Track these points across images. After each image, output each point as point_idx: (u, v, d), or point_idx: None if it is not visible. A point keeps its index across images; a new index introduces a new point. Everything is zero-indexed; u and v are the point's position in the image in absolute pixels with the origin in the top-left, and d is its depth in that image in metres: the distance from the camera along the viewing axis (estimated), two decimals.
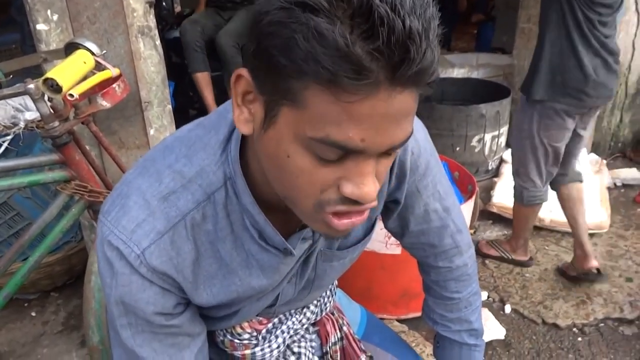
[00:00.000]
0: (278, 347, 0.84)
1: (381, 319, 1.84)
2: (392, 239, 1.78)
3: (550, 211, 2.45)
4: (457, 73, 3.46)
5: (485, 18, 5.32)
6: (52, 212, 1.35)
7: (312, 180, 0.52)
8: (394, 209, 0.80)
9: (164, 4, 3.54)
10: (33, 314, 2.02)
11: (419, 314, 1.89)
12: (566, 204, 2.07)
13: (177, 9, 4.28)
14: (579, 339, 1.83)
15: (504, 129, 2.94)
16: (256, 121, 0.54)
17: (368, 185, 0.51)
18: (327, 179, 0.52)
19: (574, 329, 1.88)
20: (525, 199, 2.03)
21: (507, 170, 2.79)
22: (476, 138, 2.81)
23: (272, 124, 0.51)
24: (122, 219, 0.60)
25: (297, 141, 0.50)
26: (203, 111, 3.55)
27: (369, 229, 0.80)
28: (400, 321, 1.91)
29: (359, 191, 0.51)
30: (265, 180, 0.60)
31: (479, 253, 2.26)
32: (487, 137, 2.83)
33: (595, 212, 2.51)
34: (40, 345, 1.86)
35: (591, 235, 2.36)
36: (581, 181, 2.07)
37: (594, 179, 2.80)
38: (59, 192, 1.35)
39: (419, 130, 0.75)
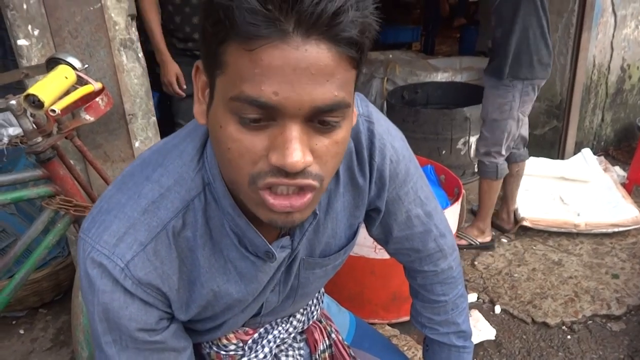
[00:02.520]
0: (265, 356, 0.84)
1: (372, 323, 1.85)
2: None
3: (578, 214, 2.51)
4: (441, 77, 3.50)
5: (467, 22, 5.39)
6: (38, 228, 1.34)
7: (241, 149, 0.51)
8: (376, 217, 0.81)
9: None
10: (21, 331, 1.99)
11: (409, 317, 1.90)
12: (513, 179, 2.35)
13: None
14: (569, 336, 1.85)
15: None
16: (205, 106, 0.57)
17: (293, 151, 0.49)
18: (256, 148, 0.51)
19: (563, 327, 1.90)
20: (500, 173, 2.22)
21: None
22: (461, 141, 2.84)
23: (212, 101, 0.53)
24: (104, 234, 0.60)
25: (225, 108, 0.51)
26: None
27: (351, 236, 0.80)
28: (392, 325, 1.91)
29: (283, 159, 0.49)
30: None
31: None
32: (472, 139, 2.87)
33: (625, 208, 2.54)
34: None
35: (624, 235, 2.43)
36: (527, 159, 2.35)
37: (605, 177, 2.84)
38: (44, 207, 1.34)
39: (396, 138, 0.75)
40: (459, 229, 2.25)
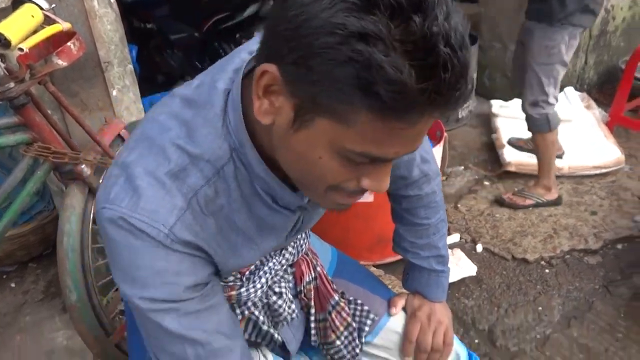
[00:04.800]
0: (262, 287, 0.87)
1: (361, 264, 1.89)
2: None
3: (562, 157, 2.49)
4: None
5: None
6: (17, 176, 1.34)
7: (335, 176, 0.56)
8: None
9: None
10: (12, 285, 2.02)
11: (394, 258, 1.95)
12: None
13: None
14: (547, 270, 1.92)
15: (473, 76, 2.96)
16: (281, 116, 0.55)
17: (386, 181, 0.57)
18: (351, 175, 0.56)
19: (542, 262, 1.96)
20: (552, 123, 2.08)
21: (501, 123, 2.80)
22: None
23: (303, 128, 0.53)
24: (139, 202, 0.59)
25: (331, 148, 0.53)
26: (171, 77, 3.48)
27: None
28: (377, 266, 1.96)
29: (378, 187, 0.57)
30: (270, 147, 0.61)
31: (514, 207, 2.26)
32: None
33: (606, 148, 2.54)
34: (22, 314, 1.87)
35: (604, 174, 2.45)
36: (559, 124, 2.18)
37: (587, 115, 2.84)
38: (22, 154, 1.33)
39: None
40: (443, 173, 2.28)
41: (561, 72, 2.03)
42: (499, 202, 2.31)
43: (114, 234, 0.60)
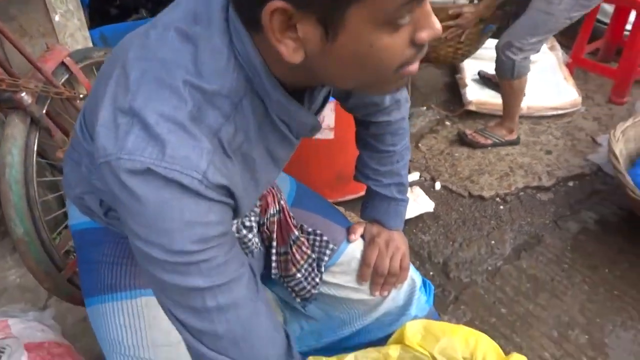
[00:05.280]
0: (236, 222, 0.87)
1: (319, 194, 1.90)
2: (325, 123, 1.78)
3: (492, 96, 2.52)
4: None
5: None
6: None
7: (394, 52, 0.54)
8: None
9: None
10: None
11: (354, 195, 1.96)
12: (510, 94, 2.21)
13: None
14: (501, 207, 1.97)
15: None
16: (310, 41, 0.52)
17: (435, 20, 0.55)
18: (405, 42, 0.54)
19: (497, 199, 2.01)
20: (517, 72, 2.06)
21: (466, 63, 2.76)
22: None
23: (340, 31, 0.51)
24: (165, 150, 0.54)
25: (377, 27, 0.51)
26: (125, 9, 3.27)
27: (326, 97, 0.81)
28: (337, 204, 1.97)
29: (433, 31, 0.54)
30: (281, 74, 0.59)
31: (475, 146, 2.28)
32: None
33: (565, 90, 2.57)
34: None
35: (561, 115, 2.48)
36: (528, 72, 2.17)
37: (550, 56, 2.85)
38: None
39: None
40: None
41: (551, 26, 1.97)
42: (461, 138, 2.34)
43: (138, 186, 0.55)
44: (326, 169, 1.93)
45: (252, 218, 0.92)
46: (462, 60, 2.50)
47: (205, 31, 0.58)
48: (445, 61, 2.43)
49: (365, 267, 1.00)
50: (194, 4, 0.61)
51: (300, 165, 1.93)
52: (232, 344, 0.64)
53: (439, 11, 2.14)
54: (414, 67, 0.58)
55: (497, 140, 2.29)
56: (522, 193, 2.04)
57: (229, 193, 0.61)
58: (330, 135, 1.83)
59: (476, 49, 2.39)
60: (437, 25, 0.54)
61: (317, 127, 0.69)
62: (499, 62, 2.09)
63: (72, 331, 1.41)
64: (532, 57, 2.09)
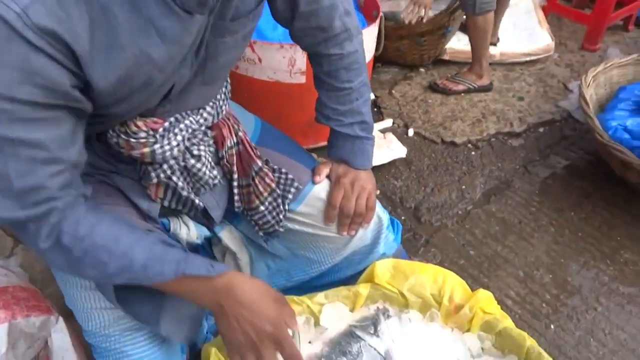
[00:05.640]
0: (177, 144, 0.81)
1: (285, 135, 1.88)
2: (296, 66, 1.73)
3: (466, 44, 2.49)
4: None
5: None
6: None
7: None
8: None
9: None
10: None
11: (326, 142, 1.94)
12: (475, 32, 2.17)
13: None
14: (473, 152, 1.98)
15: None
16: None
17: None
18: None
19: (469, 145, 2.02)
20: (478, 7, 2.01)
21: None
22: None
23: None
24: None
25: None
26: None
27: (259, 1, 0.76)
28: (310, 150, 1.95)
29: None
30: None
31: (447, 93, 2.27)
32: None
33: (538, 35, 2.54)
34: None
35: (534, 61, 2.46)
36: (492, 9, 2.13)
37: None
38: None
39: None
40: (378, 57, 2.22)
41: None
42: (433, 87, 2.32)
43: None
44: (298, 115, 1.90)
45: (202, 147, 0.87)
46: (429, 62, 2.49)
47: None
48: (413, 64, 2.46)
49: (330, 208, 0.99)
50: None
51: (271, 110, 1.89)
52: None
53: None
54: None
55: (470, 86, 2.28)
56: (493, 139, 2.05)
57: (64, 45, 0.54)
58: (302, 79, 1.79)
59: (440, 51, 2.44)
60: None
61: (202, 5, 0.61)
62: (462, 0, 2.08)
63: (40, 277, 1.38)
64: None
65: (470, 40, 2.18)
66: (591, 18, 2.58)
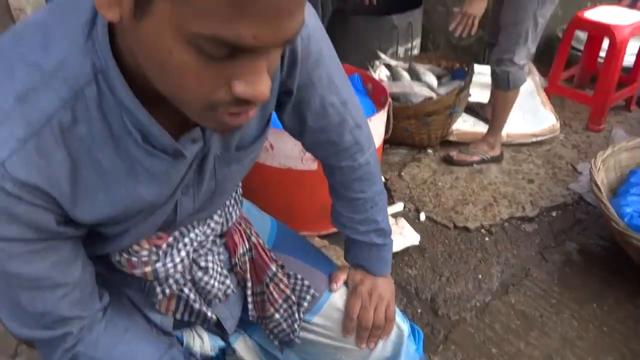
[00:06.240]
0: (182, 261, 0.78)
1: (302, 236, 1.84)
2: (308, 154, 1.73)
3: (473, 125, 2.54)
4: None
5: None
6: None
7: (199, 79, 0.46)
8: (287, 101, 0.75)
9: None
10: None
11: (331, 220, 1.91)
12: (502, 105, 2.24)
13: None
14: (487, 238, 1.95)
15: (417, 41, 2.91)
16: (124, 7, 0.44)
17: (262, 83, 0.47)
18: (217, 78, 0.47)
19: (482, 230, 1.99)
20: (512, 83, 2.09)
21: None
22: (390, 51, 2.77)
23: (146, 14, 0.43)
24: None
25: (179, 36, 0.43)
26: None
27: (264, 125, 0.75)
28: (321, 237, 1.92)
29: (252, 90, 0.47)
30: (144, 72, 0.50)
31: (462, 164, 2.31)
32: (401, 49, 2.80)
33: (543, 116, 2.58)
34: None
35: (540, 142, 2.49)
36: (522, 83, 2.19)
37: (527, 81, 2.87)
38: None
39: (309, 14, 0.68)
40: (387, 140, 2.24)
41: (532, 31, 2.00)
42: (447, 160, 2.35)
43: None
44: (310, 202, 1.88)
45: (210, 258, 0.84)
46: (437, 143, 2.52)
47: (73, 5, 0.53)
48: (420, 145, 2.49)
49: (348, 320, 0.95)
50: None
51: (283, 197, 1.88)
52: None
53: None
54: (236, 119, 0.51)
55: (483, 157, 2.33)
56: (506, 224, 2.02)
57: (43, 193, 0.54)
58: (313, 166, 1.78)
59: (446, 132, 2.47)
60: (260, 88, 0.47)
61: (178, 153, 0.60)
62: (494, 75, 2.14)
63: None
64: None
65: (494, 111, 2.25)
66: (593, 99, 2.63)
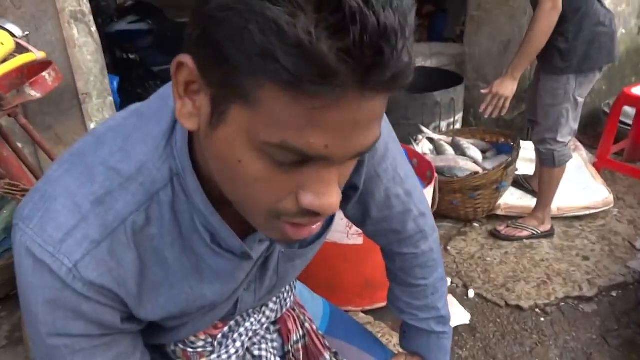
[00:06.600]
0: (236, 351, 0.77)
1: (346, 311, 1.79)
2: (354, 228, 1.73)
3: (520, 198, 2.50)
4: None
5: (435, 9, 5.38)
6: None
7: (267, 188, 0.46)
8: (353, 194, 0.74)
9: None
10: None
11: (383, 304, 1.86)
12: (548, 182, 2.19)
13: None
14: (542, 319, 1.84)
15: (459, 116, 2.95)
16: (202, 116, 0.46)
17: (330, 196, 0.45)
18: (284, 187, 0.46)
19: (537, 310, 1.88)
20: (558, 161, 2.07)
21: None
22: (432, 126, 2.80)
23: (221, 123, 0.44)
24: (48, 226, 0.50)
25: (250, 145, 0.43)
26: None
27: (329, 222, 0.74)
28: (366, 312, 1.86)
29: (319, 202, 0.45)
30: (216, 178, 0.52)
31: (510, 239, 2.25)
32: (443, 124, 2.84)
33: (595, 190, 2.52)
34: None
35: (593, 217, 2.42)
36: (568, 159, 2.18)
37: (574, 156, 2.83)
38: None
39: None
40: (432, 207, 2.22)
41: (572, 110, 2.00)
42: (494, 235, 2.28)
43: (17, 251, 0.52)
44: (354, 276, 1.85)
45: (263, 346, 0.82)
46: (483, 217, 2.48)
47: (153, 113, 0.55)
48: (466, 219, 2.46)
49: None
50: (166, 87, 0.58)
51: (328, 271, 1.85)
52: None
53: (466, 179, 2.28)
54: (298, 231, 0.49)
55: (533, 232, 2.25)
56: (563, 304, 1.91)
57: (111, 293, 0.54)
58: (359, 240, 1.77)
59: (493, 206, 2.44)
60: (327, 200, 0.45)
61: (246, 255, 0.60)
62: (539, 154, 2.12)
63: None
64: None
65: (541, 188, 2.21)
66: None
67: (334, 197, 0.45)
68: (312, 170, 0.44)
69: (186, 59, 0.44)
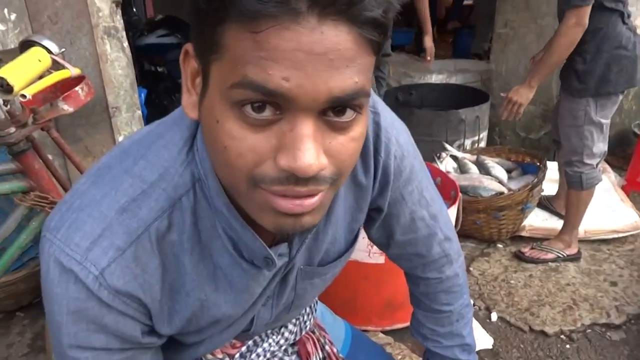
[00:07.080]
0: None
1: (366, 330, 1.77)
2: (375, 247, 1.71)
3: (545, 220, 2.46)
4: (435, 79, 3.45)
5: (461, 25, 5.36)
6: (10, 226, 1.25)
7: (241, 149, 0.44)
8: (377, 217, 0.74)
9: (133, 9, 3.43)
10: None
11: (404, 324, 1.83)
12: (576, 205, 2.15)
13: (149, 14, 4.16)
14: (567, 346, 1.79)
15: (484, 134, 2.92)
16: (195, 98, 0.49)
17: (305, 151, 0.42)
18: (260, 148, 0.44)
19: (562, 336, 1.83)
20: (585, 184, 2.03)
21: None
22: (456, 143, 2.78)
23: (206, 90, 0.46)
24: (75, 235, 0.51)
25: (223, 99, 0.43)
26: None
27: (351, 242, 0.73)
28: (385, 333, 1.84)
29: (294, 161, 0.42)
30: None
31: (535, 262, 2.21)
32: (467, 142, 2.81)
33: (624, 213, 2.47)
34: None
35: (622, 241, 2.37)
36: (597, 182, 2.14)
37: (603, 179, 2.78)
38: (17, 204, 1.25)
39: (401, 132, 0.68)
40: (456, 228, 2.19)
41: (597, 132, 1.96)
42: (519, 257, 2.24)
43: (44, 261, 0.53)
44: (375, 296, 1.83)
45: None
46: (507, 238, 2.45)
47: (177, 120, 0.57)
48: (490, 239, 2.42)
49: None
50: None
51: (347, 290, 1.84)
52: None
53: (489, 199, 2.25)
54: (282, 202, 0.45)
55: (559, 255, 2.20)
56: (589, 330, 1.86)
57: (136, 300, 0.55)
58: (380, 259, 1.75)
59: (518, 227, 2.40)
60: (304, 157, 0.42)
61: (270, 260, 0.59)
62: (567, 176, 2.08)
63: None
64: None
65: (568, 210, 2.16)
66: None
67: (310, 154, 0.42)
68: (283, 126, 0.43)
69: (189, 46, 0.48)
